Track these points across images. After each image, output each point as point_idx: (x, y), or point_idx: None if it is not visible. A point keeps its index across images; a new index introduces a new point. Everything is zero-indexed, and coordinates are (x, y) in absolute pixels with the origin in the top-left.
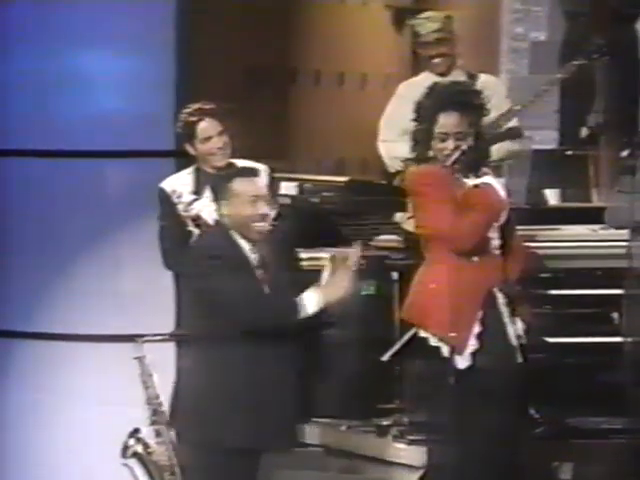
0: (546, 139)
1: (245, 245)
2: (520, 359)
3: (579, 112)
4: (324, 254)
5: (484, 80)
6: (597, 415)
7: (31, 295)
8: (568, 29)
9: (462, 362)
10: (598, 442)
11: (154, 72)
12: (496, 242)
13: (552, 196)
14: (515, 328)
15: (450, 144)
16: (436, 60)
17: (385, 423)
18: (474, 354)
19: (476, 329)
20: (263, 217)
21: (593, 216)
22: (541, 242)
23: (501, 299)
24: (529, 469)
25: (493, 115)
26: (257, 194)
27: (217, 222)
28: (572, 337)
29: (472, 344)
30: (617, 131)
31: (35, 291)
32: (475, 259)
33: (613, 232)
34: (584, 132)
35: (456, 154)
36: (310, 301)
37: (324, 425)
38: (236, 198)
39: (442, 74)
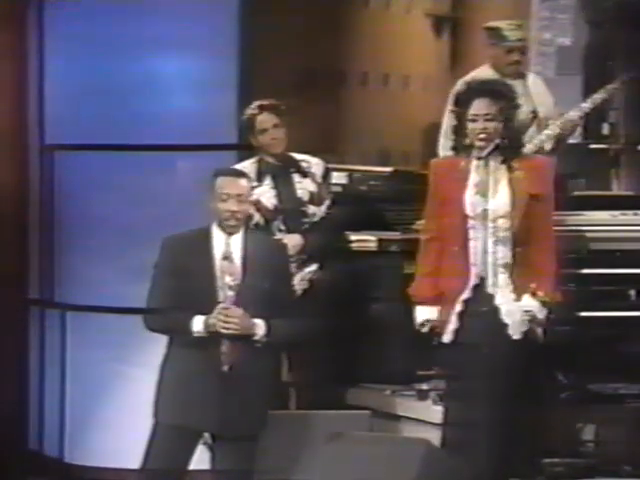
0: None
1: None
2: (515, 333)
3: (601, 110)
4: (370, 237)
5: (533, 79)
6: (616, 382)
7: (119, 277)
8: (591, 35)
9: (446, 337)
10: (617, 406)
11: (218, 73)
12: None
13: (577, 185)
14: (519, 306)
15: (479, 124)
16: (513, 66)
17: (425, 388)
18: (456, 331)
19: (457, 308)
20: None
21: (613, 203)
22: (567, 226)
23: (491, 281)
24: (556, 429)
25: (550, 113)
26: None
27: (275, 207)
28: (594, 311)
29: (453, 322)
30: (634, 127)
31: (121, 274)
32: (455, 248)
33: (631, 217)
34: (606, 128)
35: (490, 145)
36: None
37: (370, 389)
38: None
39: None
